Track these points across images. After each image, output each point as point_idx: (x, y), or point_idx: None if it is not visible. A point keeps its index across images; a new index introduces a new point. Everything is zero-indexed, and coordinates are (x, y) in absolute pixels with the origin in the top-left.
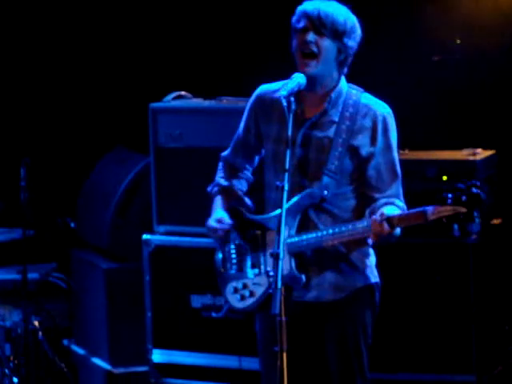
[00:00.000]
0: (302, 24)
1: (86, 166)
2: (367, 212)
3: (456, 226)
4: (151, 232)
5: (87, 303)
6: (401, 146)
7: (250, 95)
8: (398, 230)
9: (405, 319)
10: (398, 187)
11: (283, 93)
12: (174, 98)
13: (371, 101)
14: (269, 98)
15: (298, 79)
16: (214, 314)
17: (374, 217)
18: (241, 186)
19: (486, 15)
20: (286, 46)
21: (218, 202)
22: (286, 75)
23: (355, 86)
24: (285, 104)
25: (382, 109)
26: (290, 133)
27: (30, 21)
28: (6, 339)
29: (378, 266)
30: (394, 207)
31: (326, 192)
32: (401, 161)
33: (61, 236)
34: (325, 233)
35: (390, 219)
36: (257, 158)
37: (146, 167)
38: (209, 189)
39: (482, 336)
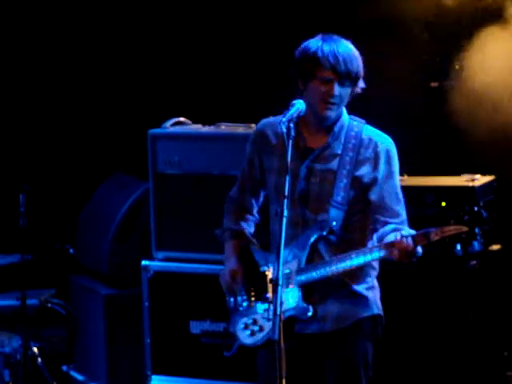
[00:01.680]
0: (326, 74)
1: (85, 192)
2: (375, 237)
3: (459, 246)
4: (150, 258)
5: (86, 329)
6: (399, 173)
7: (248, 121)
8: (420, 249)
9: (404, 344)
10: (403, 214)
11: (283, 119)
12: (173, 124)
13: (373, 133)
14: (269, 131)
15: (298, 106)
16: (226, 354)
17: (396, 236)
18: (249, 228)
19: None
20: (285, 73)
21: (231, 248)
22: (284, 102)
23: (357, 118)
24: (284, 130)
25: (384, 140)
26: (289, 159)
27: (31, 43)
28: (4, 365)
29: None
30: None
31: (334, 223)
32: (400, 187)
33: (60, 262)
34: (339, 265)
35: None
36: (262, 194)
37: (144, 193)
38: (218, 233)
39: (481, 361)
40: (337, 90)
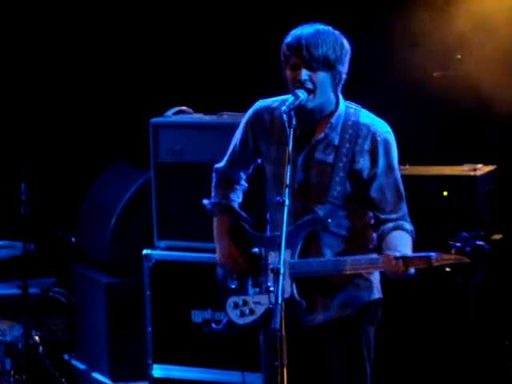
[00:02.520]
0: (292, 60)
1: (86, 181)
2: (375, 236)
3: (459, 276)
4: (152, 247)
5: (88, 318)
6: (401, 162)
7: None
8: (412, 270)
9: (405, 335)
10: (403, 207)
11: (284, 108)
12: (175, 113)
13: (370, 120)
14: (267, 116)
15: (300, 95)
16: (213, 325)
17: (387, 253)
18: (237, 197)
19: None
20: (283, 63)
21: (221, 223)
22: (286, 90)
23: (353, 104)
24: (285, 119)
25: (382, 128)
26: (289, 148)
27: (33, 37)
28: (6, 354)
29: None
30: (403, 234)
31: (329, 220)
32: (401, 176)
33: (61, 251)
34: (329, 262)
35: (405, 258)
36: (252, 167)
37: (146, 182)
38: (207, 205)
39: (482, 351)
40: (304, 74)
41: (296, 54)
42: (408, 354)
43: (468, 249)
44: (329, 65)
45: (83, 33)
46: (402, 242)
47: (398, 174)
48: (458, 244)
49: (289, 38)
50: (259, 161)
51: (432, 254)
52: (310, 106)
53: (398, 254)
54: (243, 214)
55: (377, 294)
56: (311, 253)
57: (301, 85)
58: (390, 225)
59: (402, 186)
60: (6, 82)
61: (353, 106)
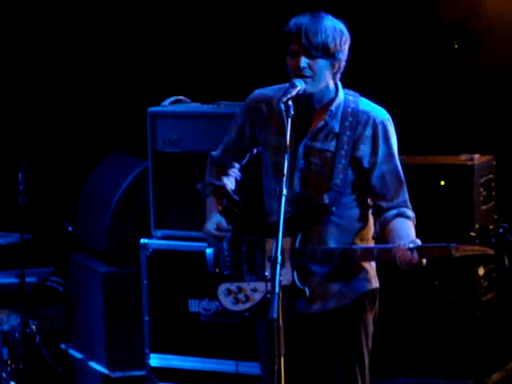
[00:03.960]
0: (292, 48)
1: (83, 170)
2: (377, 224)
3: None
4: (149, 236)
5: (85, 307)
6: (399, 151)
7: None
8: (425, 260)
9: (402, 323)
10: (404, 194)
11: (282, 98)
12: (173, 103)
13: (369, 107)
14: (265, 105)
15: (298, 84)
16: (202, 317)
17: (399, 245)
18: (230, 183)
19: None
20: (284, 50)
21: (213, 203)
22: (285, 79)
23: (351, 92)
24: (283, 108)
25: (381, 115)
26: (287, 138)
27: (30, 25)
28: (3, 343)
29: (377, 270)
30: (406, 222)
31: (333, 208)
32: (400, 166)
33: (58, 240)
34: (336, 251)
35: (418, 249)
36: (247, 156)
37: (143, 171)
38: (199, 187)
39: (480, 340)
40: (303, 61)
41: (295, 41)
42: (404, 344)
43: (493, 240)
44: (328, 52)
45: (80, 24)
46: (410, 231)
47: (398, 162)
48: (479, 236)
49: (289, 25)
50: (255, 151)
51: (453, 244)
52: (309, 90)
53: (411, 245)
54: (236, 197)
55: (374, 283)
56: (312, 241)
57: (300, 72)
58: (393, 212)
59: (402, 173)
60: (3, 72)
61: (351, 94)
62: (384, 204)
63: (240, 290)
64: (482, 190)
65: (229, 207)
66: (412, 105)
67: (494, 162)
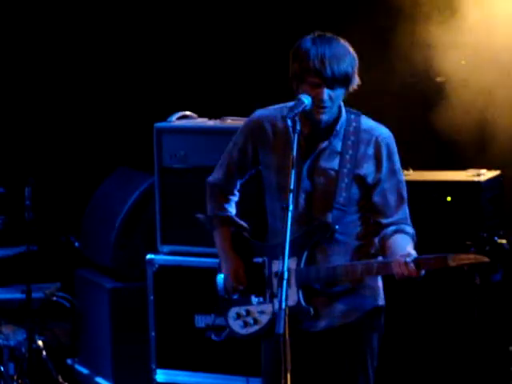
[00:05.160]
0: (312, 79)
1: (90, 185)
2: (376, 240)
3: (477, 275)
4: (155, 252)
5: (91, 323)
6: (405, 167)
7: None
8: (423, 272)
9: (407, 339)
10: (404, 211)
11: (289, 113)
12: (179, 118)
13: (371, 125)
14: (268, 125)
15: (304, 100)
16: (213, 337)
17: (397, 258)
18: (232, 209)
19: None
20: (287, 68)
21: (223, 239)
22: (290, 95)
23: (353, 110)
24: (290, 124)
25: (383, 133)
26: (294, 153)
27: (39, 43)
28: (9, 358)
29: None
30: (405, 237)
31: (337, 227)
32: (405, 182)
33: (65, 255)
34: (338, 268)
35: (415, 261)
36: (247, 176)
37: (150, 187)
38: (202, 219)
39: (485, 356)
40: (326, 94)
41: (317, 73)
42: (412, 359)
43: (487, 248)
44: (348, 81)
45: (88, 39)
46: (408, 245)
47: (401, 178)
48: (474, 244)
49: (305, 56)
50: (254, 171)
51: (448, 254)
52: (325, 119)
53: (408, 259)
54: (243, 223)
55: (380, 300)
56: (318, 260)
57: (322, 104)
58: (392, 228)
59: (404, 190)
60: (10, 87)
61: (353, 113)
62: (383, 220)
63: (248, 313)
64: (488, 205)
65: (237, 233)
66: (419, 120)
67: (501, 178)
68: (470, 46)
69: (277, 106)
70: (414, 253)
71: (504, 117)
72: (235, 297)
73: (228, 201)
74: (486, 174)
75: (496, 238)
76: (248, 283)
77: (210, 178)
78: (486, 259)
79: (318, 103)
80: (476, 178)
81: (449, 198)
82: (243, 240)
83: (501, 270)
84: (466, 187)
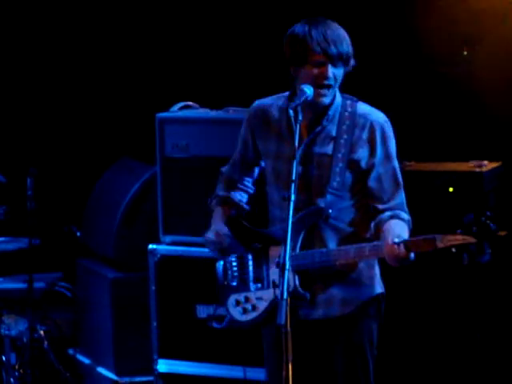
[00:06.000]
0: (317, 57)
1: (92, 176)
2: (372, 225)
3: (465, 255)
4: (157, 242)
5: (93, 312)
6: (407, 158)
7: None
8: (412, 255)
9: (407, 332)
10: (401, 197)
11: (291, 104)
12: (181, 108)
13: (366, 110)
14: (265, 114)
15: (306, 90)
16: (215, 325)
17: (387, 240)
18: (240, 197)
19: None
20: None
21: (217, 214)
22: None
23: (349, 96)
24: (292, 114)
25: (378, 118)
26: (296, 143)
27: (39, 32)
28: (11, 348)
29: (382, 275)
30: (399, 222)
31: (330, 210)
32: (407, 172)
33: (67, 245)
34: (332, 252)
35: (404, 243)
36: (256, 170)
37: (152, 177)
38: (208, 202)
39: (486, 354)
40: (330, 71)
41: (323, 51)
42: (410, 354)
43: (474, 229)
44: (348, 60)
45: (89, 28)
46: (400, 229)
47: (396, 163)
48: (464, 224)
49: (307, 37)
50: (262, 163)
51: (437, 235)
52: (327, 102)
53: (397, 240)
54: (245, 206)
55: (379, 288)
56: (313, 245)
57: (326, 82)
58: (388, 213)
59: (400, 176)
60: (12, 77)
61: (349, 98)
62: (379, 206)
63: (247, 299)
64: (490, 196)
65: (234, 218)
66: (421, 110)
67: (503, 169)
68: None
69: (274, 96)
70: (404, 236)
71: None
72: (234, 283)
73: (235, 188)
74: (487, 165)
75: (483, 219)
76: (244, 271)
77: (223, 169)
78: (473, 240)
79: (320, 82)
80: (478, 169)
81: (451, 189)
82: (242, 226)
83: (488, 250)
84: (468, 178)
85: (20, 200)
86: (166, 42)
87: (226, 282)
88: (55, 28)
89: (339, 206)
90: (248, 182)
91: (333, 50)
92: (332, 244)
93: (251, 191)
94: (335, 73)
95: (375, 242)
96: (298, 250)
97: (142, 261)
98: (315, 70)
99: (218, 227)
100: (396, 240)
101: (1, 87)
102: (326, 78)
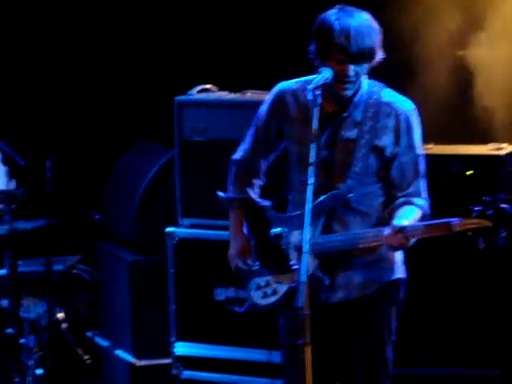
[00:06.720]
0: (337, 55)
1: (111, 158)
2: (386, 212)
3: (481, 239)
4: (175, 225)
5: (111, 295)
6: (426, 141)
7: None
8: (412, 241)
9: (429, 313)
10: (419, 185)
11: (310, 87)
12: (199, 92)
13: (393, 98)
14: (290, 97)
15: (325, 73)
16: (237, 309)
17: (388, 228)
18: (254, 194)
19: None
20: (308, 40)
21: (237, 219)
22: (311, 68)
23: (376, 83)
24: (311, 97)
25: (405, 106)
26: (315, 126)
27: (57, 17)
28: (30, 331)
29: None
30: (410, 208)
31: (351, 195)
32: (426, 155)
33: (86, 228)
34: (350, 236)
35: (402, 230)
36: (272, 157)
37: (170, 160)
38: (222, 199)
39: (508, 331)
40: (351, 70)
41: (343, 50)
42: (432, 334)
43: (490, 212)
44: (372, 56)
45: (108, 13)
46: (411, 215)
47: (420, 152)
48: (479, 208)
49: (330, 32)
50: (281, 148)
51: (452, 219)
52: (349, 94)
53: (396, 225)
54: (265, 203)
55: (399, 273)
56: (333, 230)
57: (347, 79)
58: (401, 200)
59: (422, 166)
60: (31, 59)
61: (376, 85)
62: (396, 193)
63: (268, 283)
64: (509, 179)
65: (254, 207)
66: (440, 93)
67: None
68: None
69: (298, 79)
70: (405, 222)
71: None
72: (256, 268)
73: (251, 185)
74: (506, 148)
75: (500, 204)
76: (264, 257)
77: (235, 156)
78: (489, 223)
79: (342, 79)
80: (496, 152)
81: (469, 172)
82: (260, 213)
83: (504, 234)
84: (487, 161)
85: (39, 183)
86: (185, 24)
87: (246, 267)
88: (74, 14)
89: (362, 191)
90: (261, 172)
91: (353, 48)
92: (354, 228)
93: (263, 183)
94: (357, 70)
95: (380, 228)
96: (318, 234)
97: (160, 243)
98: (337, 67)
99: (240, 246)
100: (395, 224)
101: (19, 70)
102: (347, 76)
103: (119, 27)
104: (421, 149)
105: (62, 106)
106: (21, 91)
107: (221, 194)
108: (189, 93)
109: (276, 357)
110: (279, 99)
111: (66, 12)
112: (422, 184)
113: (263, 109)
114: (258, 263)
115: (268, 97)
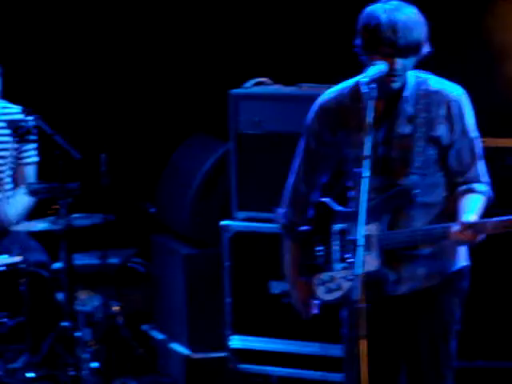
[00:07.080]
0: (384, 49)
1: (166, 152)
2: (449, 201)
3: None
4: (231, 218)
5: (167, 288)
6: (481, 134)
7: (330, 82)
8: (482, 236)
9: (483, 306)
10: (476, 168)
11: (364, 80)
12: (255, 85)
13: (441, 85)
14: (335, 105)
15: (379, 66)
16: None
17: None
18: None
19: None
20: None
21: (292, 259)
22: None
23: (422, 73)
24: (366, 90)
25: (454, 92)
26: (370, 118)
27: (108, 16)
28: (85, 324)
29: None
30: (473, 197)
31: (417, 191)
32: (476, 139)
33: (141, 221)
34: (418, 232)
35: (472, 226)
36: (328, 172)
37: (226, 153)
38: (281, 218)
39: None
40: (399, 63)
41: (390, 44)
42: (485, 327)
43: None
44: (419, 49)
45: (162, 8)
46: (472, 206)
47: (475, 135)
48: None
49: (377, 27)
50: (332, 165)
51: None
52: (396, 87)
53: (464, 221)
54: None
55: (464, 261)
56: (398, 225)
57: (394, 73)
58: (462, 188)
59: (478, 147)
60: (86, 55)
61: (422, 75)
62: (457, 180)
63: (332, 279)
64: None
65: (319, 202)
66: (494, 86)
67: None
68: None
69: (336, 88)
70: (472, 217)
71: None
72: (319, 262)
73: (309, 204)
74: None
75: None
76: (329, 250)
77: (291, 182)
78: None
79: (390, 72)
80: None
81: None
82: (325, 207)
83: None
84: None
85: (94, 176)
86: (240, 18)
87: (310, 262)
88: (132, 13)
89: (426, 183)
90: (315, 195)
91: (401, 42)
92: (419, 222)
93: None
94: (404, 63)
95: (448, 224)
96: (384, 230)
97: (216, 237)
98: (384, 61)
99: (301, 296)
100: (463, 219)
101: (74, 66)
102: (394, 69)
103: (176, 21)
104: (475, 131)
105: (118, 100)
106: (76, 85)
107: (278, 212)
108: (244, 86)
109: (330, 350)
110: (324, 110)
111: (124, 11)
112: (481, 167)
113: (309, 125)
114: (322, 258)
115: (309, 117)
